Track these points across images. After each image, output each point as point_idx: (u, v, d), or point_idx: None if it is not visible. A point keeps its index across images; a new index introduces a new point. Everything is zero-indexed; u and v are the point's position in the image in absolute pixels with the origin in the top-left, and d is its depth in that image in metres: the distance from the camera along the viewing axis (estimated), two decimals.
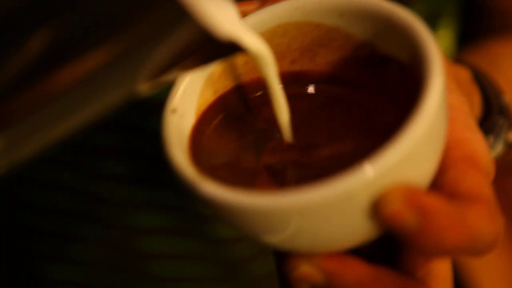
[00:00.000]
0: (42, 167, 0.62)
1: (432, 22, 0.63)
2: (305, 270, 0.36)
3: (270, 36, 0.41)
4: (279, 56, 0.42)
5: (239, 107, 0.42)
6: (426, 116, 0.33)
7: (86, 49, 0.31)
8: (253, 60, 0.37)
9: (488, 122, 0.52)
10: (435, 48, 0.35)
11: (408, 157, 0.33)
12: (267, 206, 0.33)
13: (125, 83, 0.33)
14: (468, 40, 0.67)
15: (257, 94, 0.42)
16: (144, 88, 0.34)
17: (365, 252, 0.38)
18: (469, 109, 0.39)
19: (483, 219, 0.34)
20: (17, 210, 0.66)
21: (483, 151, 0.37)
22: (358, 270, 0.36)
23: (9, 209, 0.67)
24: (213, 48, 0.33)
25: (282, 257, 0.38)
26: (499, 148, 0.52)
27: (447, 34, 0.69)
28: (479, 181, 0.35)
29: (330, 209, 0.33)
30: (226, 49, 0.34)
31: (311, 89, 0.41)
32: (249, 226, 0.35)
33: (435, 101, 0.33)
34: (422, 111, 0.33)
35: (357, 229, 0.35)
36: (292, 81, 0.42)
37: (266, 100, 0.40)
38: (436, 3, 0.61)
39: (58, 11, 0.30)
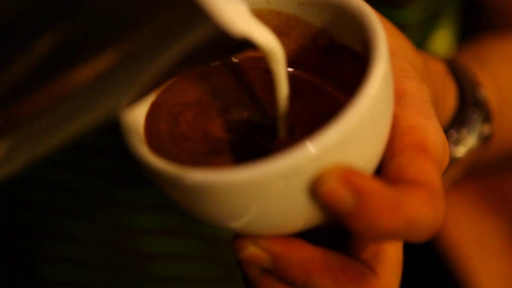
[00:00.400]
0: (42, 167, 0.62)
1: (432, 21, 0.63)
2: (251, 251, 0.37)
3: None
4: None
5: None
6: (366, 98, 0.34)
7: (98, 49, 0.31)
8: (264, 54, 0.38)
9: (462, 114, 0.52)
10: (382, 36, 0.36)
11: (348, 136, 0.33)
12: (209, 182, 0.34)
13: (135, 84, 0.33)
14: (467, 39, 0.68)
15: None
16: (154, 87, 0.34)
17: (317, 239, 0.38)
18: (428, 97, 0.39)
19: (421, 204, 0.34)
20: (17, 210, 0.66)
21: (435, 138, 0.36)
22: (304, 251, 0.37)
23: (9, 209, 0.67)
24: (226, 45, 0.33)
25: None
26: (472, 141, 0.52)
27: (447, 34, 0.69)
28: (425, 167, 0.35)
29: (273, 186, 0.33)
30: (238, 45, 0.35)
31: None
32: (196, 204, 0.36)
33: (376, 84, 0.34)
34: (362, 93, 0.34)
35: (300, 209, 0.35)
36: (255, 67, 0.42)
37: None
38: (435, 3, 0.61)
39: (67, 11, 0.30)
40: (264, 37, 0.36)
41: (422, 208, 0.34)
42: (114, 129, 0.58)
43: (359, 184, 0.33)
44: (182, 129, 0.40)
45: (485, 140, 0.52)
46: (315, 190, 0.34)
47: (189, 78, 0.41)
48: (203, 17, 0.30)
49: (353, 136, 0.34)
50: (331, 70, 0.41)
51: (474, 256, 0.82)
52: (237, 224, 0.36)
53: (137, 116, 0.39)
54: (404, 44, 0.42)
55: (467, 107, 0.52)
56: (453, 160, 0.51)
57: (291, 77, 0.40)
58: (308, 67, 0.42)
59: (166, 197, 0.38)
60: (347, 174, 0.33)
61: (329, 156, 0.33)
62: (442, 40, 0.68)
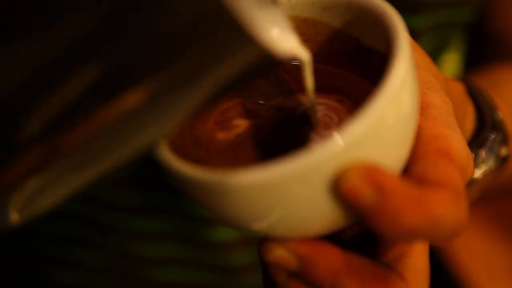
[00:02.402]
0: None
1: (441, 37, 0.64)
2: (279, 253, 0.36)
3: None
4: None
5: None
6: (387, 91, 0.33)
7: (139, 80, 0.31)
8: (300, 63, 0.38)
9: (481, 136, 0.52)
10: (404, 33, 0.36)
11: (372, 129, 0.33)
12: (237, 183, 0.33)
13: (177, 113, 0.33)
14: (474, 66, 0.68)
15: None
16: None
17: (344, 244, 0.38)
18: (452, 110, 0.39)
19: (445, 203, 0.33)
20: (26, 237, 0.66)
21: (459, 147, 0.36)
22: (332, 255, 0.36)
23: (19, 236, 0.67)
24: (269, 65, 0.33)
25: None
26: (490, 162, 0.52)
27: (454, 58, 0.69)
28: (448, 171, 0.35)
29: (296, 184, 0.33)
30: (277, 63, 0.35)
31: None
32: (221, 206, 0.35)
33: (398, 76, 0.34)
34: (383, 87, 0.34)
35: (323, 208, 0.34)
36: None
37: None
38: (446, 17, 0.61)
39: (111, 41, 0.30)
40: (303, 52, 0.37)
41: (445, 206, 0.33)
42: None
43: (382, 181, 0.33)
44: (206, 128, 0.40)
45: (502, 161, 0.52)
46: (338, 188, 0.33)
47: None
48: (250, 40, 0.30)
49: (377, 129, 0.33)
50: (359, 72, 0.41)
51: (482, 279, 0.81)
52: (261, 225, 0.36)
53: None
54: (428, 60, 0.42)
55: (486, 129, 0.53)
56: (470, 181, 0.51)
57: (320, 79, 0.40)
58: (336, 70, 0.42)
59: (191, 200, 0.37)
60: (370, 171, 0.33)
61: (352, 151, 0.33)
62: (450, 63, 0.69)
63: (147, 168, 0.59)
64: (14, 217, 0.35)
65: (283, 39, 0.35)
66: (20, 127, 0.31)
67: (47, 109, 0.31)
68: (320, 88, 0.40)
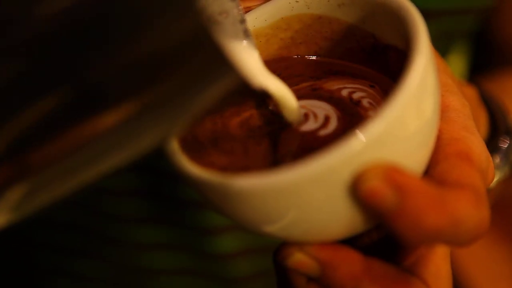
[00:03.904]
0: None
1: (445, 44, 0.63)
2: (299, 258, 0.36)
3: (274, 30, 0.42)
4: (286, 51, 0.42)
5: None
6: (408, 88, 0.33)
7: (118, 98, 0.30)
8: (277, 102, 0.38)
9: (494, 141, 0.52)
10: (423, 28, 0.35)
11: (392, 127, 0.32)
12: (254, 187, 0.33)
13: (160, 129, 0.33)
14: (479, 74, 0.68)
15: None
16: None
17: (364, 249, 0.37)
18: (470, 112, 0.38)
19: (466, 204, 0.33)
20: (27, 248, 0.66)
21: (478, 150, 0.36)
22: (352, 259, 0.35)
23: (20, 247, 0.67)
24: (243, 94, 0.34)
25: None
26: (505, 168, 0.52)
27: (459, 65, 0.69)
28: (469, 172, 0.34)
29: (314, 185, 0.32)
30: (252, 94, 0.35)
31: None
32: (238, 210, 0.35)
33: (417, 75, 0.33)
34: (403, 84, 0.33)
35: (342, 210, 0.34)
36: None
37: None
38: (448, 42, 0.61)
39: (88, 61, 0.30)
40: (277, 88, 0.37)
41: (467, 207, 0.33)
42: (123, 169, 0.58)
43: (402, 181, 0.32)
44: (216, 128, 0.40)
45: None
46: (357, 189, 0.32)
47: None
48: (228, 69, 0.30)
49: (397, 128, 0.32)
50: (378, 69, 0.40)
51: (484, 283, 0.81)
52: (280, 229, 0.35)
53: None
54: (443, 63, 0.42)
55: (499, 135, 0.52)
56: None
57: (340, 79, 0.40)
58: (354, 68, 0.41)
59: (207, 203, 0.37)
60: (390, 172, 0.32)
61: (371, 151, 0.32)
62: (455, 71, 0.68)
63: (151, 179, 0.59)
64: None
65: (253, 73, 0.35)
66: None
67: (16, 126, 0.30)
68: (350, 74, 0.40)
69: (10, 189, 0.32)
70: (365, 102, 0.39)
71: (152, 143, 0.34)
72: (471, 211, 0.33)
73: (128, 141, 0.32)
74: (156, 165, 0.58)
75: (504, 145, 0.52)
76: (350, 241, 0.37)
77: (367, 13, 0.39)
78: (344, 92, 0.40)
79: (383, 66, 0.40)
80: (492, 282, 0.82)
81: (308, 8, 0.41)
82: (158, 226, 0.61)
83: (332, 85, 0.40)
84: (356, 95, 0.39)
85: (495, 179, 0.51)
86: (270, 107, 0.40)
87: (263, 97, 0.39)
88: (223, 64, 0.30)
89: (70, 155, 0.32)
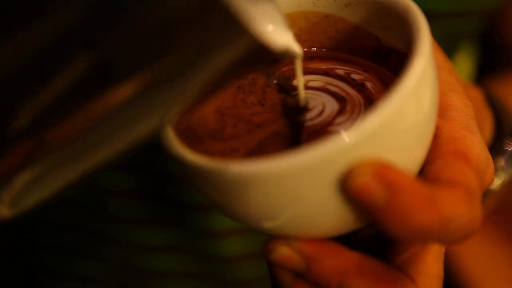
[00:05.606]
0: (54, 207, 0.62)
1: (449, 46, 0.64)
2: (283, 251, 0.35)
3: None
4: None
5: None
6: (405, 86, 0.33)
7: (132, 71, 0.30)
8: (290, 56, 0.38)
9: (499, 143, 0.52)
10: (425, 30, 0.35)
11: (385, 125, 0.32)
12: (247, 173, 0.33)
13: (173, 104, 0.33)
14: (484, 75, 0.68)
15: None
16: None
17: (353, 246, 0.37)
18: (472, 112, 0.38)
19: (457, 202, 0.33)
20: (29, 249, 0.66)
21: (477, 150, 0.36)
22: (338, 254, 0.35)
23: (21, 248, 0.67)
24: (262, 57, 0.33)
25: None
26: (509, 171, 0.51)
27: (464, 67, 0.69)
28: (463, 171, 0.34)
29: (303, 177, 0.32)
30: (271, 56, 0.34)
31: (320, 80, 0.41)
32: (231, 197, 0.35)
33: (415, 74, 0.33)
34: (399, 85, 0.33)
35: (331, 205, 0.34)
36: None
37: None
38: (452, 43, 0.61)
39: (103, 33, 0.29)
40: (295, 46, 0.36)
41: (458, 205, 0.32)
42: (126, 168, 0.58)
43: (392, 178, 0.32)
44: (214, 119, 0.40)
45: None
46: (347, 184, 0.32)
47: None
48: (240, 31, 0.29)
49: (391, 125, 0.32)
50: (379, 71, 0.40)
51: (487, 285, 0.81)
52: (269, 220, 0.35)
53: None
54: (449, 63, 0.42)
55: (504, 137, 0.52)
56: (487, 191, 0.51)
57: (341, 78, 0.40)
58: (356, 68, 0.41)
59: (202, 195, 0.36)
60: (381, 168, 0.32)
61: (364, 146, 0.32)
62: (460, 72, 0.69)
63: (155, 181, 0.59)
64: (3, 212, 0.34)
65: (276, 33, 0.34)
66: (8, 121, 0.31)
67: (35, 102, 0.30)
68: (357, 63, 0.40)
69: (30, 167, 0.32)
70: (368, 85, 0.39)
71: (169, 116, 0.34)
72: (461, 209, 0.33)
73: (142, 117, 0.32)
74: (161, 167, 0.57)
75: (509, 148, 0.52)
76: (342, 238, 0.37)
77: (372, 14, 0.39)
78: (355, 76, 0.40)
79: (385, 68, 0.40)
80: (495, 283, 0.82)
81: (315, 5, 0.41)
82: (163, 229, 0.61)
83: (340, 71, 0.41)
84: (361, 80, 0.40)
85: (500, 181, 0.51)
86: (275, 81, 0.39)
87: (270, 73, 0.38)
88: (238, 26, 0.29)
89: (85, 133, 0.31)
